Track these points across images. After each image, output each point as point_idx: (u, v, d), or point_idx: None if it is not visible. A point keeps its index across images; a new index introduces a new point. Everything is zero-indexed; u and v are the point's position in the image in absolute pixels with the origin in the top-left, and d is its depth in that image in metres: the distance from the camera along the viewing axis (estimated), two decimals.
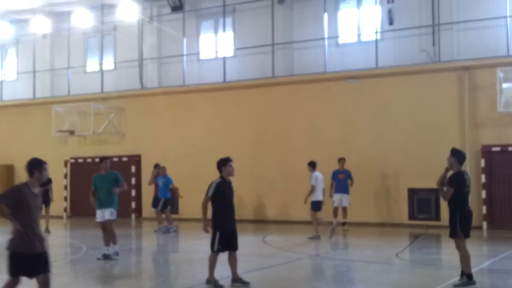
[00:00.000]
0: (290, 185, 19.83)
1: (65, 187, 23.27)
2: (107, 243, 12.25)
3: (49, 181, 17.32)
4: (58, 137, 22.99)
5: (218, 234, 9.10)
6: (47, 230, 17.17)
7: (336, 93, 19.60)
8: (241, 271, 9.49)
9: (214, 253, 9.18)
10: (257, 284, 10.22)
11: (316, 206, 15.57)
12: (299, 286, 9.74)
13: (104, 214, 12.20)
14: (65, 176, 23.38)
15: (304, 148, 19.74)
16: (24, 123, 25.14)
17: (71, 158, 23.51)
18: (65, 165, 23.38)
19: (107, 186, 12.17)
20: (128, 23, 23.56)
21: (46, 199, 17.18)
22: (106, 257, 12.13)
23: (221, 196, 9.16)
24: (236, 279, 9.34)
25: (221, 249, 9.15)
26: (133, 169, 22.24)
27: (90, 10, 23.95)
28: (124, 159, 22.28)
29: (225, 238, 9.12)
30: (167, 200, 18.00)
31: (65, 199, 23.17)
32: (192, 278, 10.45)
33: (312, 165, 15.87)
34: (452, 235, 8.85)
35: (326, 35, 20.21)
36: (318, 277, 10.71)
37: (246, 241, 15.56)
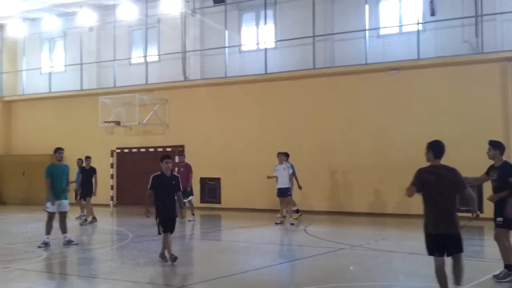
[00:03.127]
0: (330, 176, 20.08)
1: (112, 177, 23.96)
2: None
3: (93, 171, 17.87)
4: (104, 128, 23.65)
5: (157, 220, 10.89)
6: (94, 219, 17.66)
7: (377, 85, 19.69)
8: (282, 261, 9.81)
9: (161, 235, 10.98)
10: (297, 273, 10.56)
11: None
12: (339, 276, 9.97)
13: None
14: (112, 166, 24.08)
15: (344, 139, 19.95)
16: (72, 114, 25.99)
17: (117, 148, 24.18)
18: (112, 155, 24.08)
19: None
20: (172, 15, 24.05)
21: (89, 189, 17.69)
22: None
23: (158, 188, 10.82)
24: (162, 254, 11.06)
25: (164, 231, 10.89)
26: (176, 159, 22.70)
27: (134, 3, 24.50)
28: (168, 149, 22.79)
29: (164, 223, 10.84)
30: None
31: (112, 188, 23.87)
32: (235, 266, 10.81)
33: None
34: (503, 225, 8.77)
35: (367, 26, 20.27)
36: (359, 267, 10.89)
37: (287, 231, 15.95)
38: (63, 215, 13.31)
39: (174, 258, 10.84)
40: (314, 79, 20.82)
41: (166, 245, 10.98)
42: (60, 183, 13.14)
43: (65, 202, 13.27)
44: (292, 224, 16.58)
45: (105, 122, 23.34)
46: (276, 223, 16.86)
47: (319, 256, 11.89)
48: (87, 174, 17.79)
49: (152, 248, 12.63)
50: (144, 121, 23.07)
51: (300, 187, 17.74)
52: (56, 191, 13.09)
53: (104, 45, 25.93)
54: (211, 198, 22.19)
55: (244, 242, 14.20)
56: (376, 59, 19.88)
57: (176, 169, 18.12)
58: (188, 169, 18.47)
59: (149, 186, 10.94)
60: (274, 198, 20.69)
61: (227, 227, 17.89)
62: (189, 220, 17.83)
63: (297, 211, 18.54)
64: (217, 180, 22.16)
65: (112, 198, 23.77)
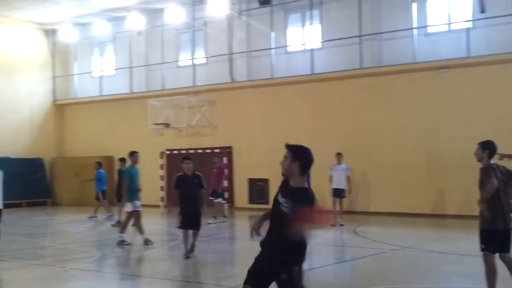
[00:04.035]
0: (380, 176, 19.95)
1: (161, 178, 24.34)
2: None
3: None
4: (154, 130, 24.05)
5: (180, 216, 11.76)
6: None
7: (426, 84, 19.46)
8: (332, 261, 9.83)
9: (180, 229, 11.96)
10: (348, 275, 10.56)
11: None
12: (391, 278, 9.93)
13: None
14: (161, 167, 24.47)
15: (393, 139, 19.80)
16: (122, 116, 26.54)
17: (167, 149, 24.56)
18: (161, 156, 24.47)
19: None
20: (218, 18, 24.30)
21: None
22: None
23: (181, 187, 11.80)
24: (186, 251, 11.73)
25: (183, 227, 11.71)
26: (225, 160, 22.97)
27: (182, 6, 24.84)
28: (216, 150, 23.04)
29: (185, 219, 11.66)
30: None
31: (162, 189, 24.25)
32: None
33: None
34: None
35: (415, 25, 20.04)
36: (411, 269, 10.78)
37: (337, 231, 15.93)
38: (138, 215, 13.78)
39: (188, 251, 11.65)
40: (361, 79, 20.72)
41: (184, 240, 11.77)
42: (136, 184, 13.78)
43: (139, 203, 13.83)
44: (342, 225, 16.50)
45: (155, 124, 23.73)
46: (331, 225, 16.65)
47: (370, 257, 11.85)
48: (122, 176, 18.01)
49: (202, 248, 12.82)
50: (192, 123, 23.37)
51: (349, 192, 17.44)
52: (133, 192, 13.68)
53: (153, 49, 26.37)
54: (260, 199, 22.31)
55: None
56: (424, 58, 19.64)
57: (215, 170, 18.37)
58: (220, 171, 18.54)
59: (173, 186, 12.03)
60: (322, 198, 20.75)
61: None
62: (208, 223, 17.34)
63: None
64: (265, 181, 22.26)
65: (162, 199, 24.16)
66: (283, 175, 5.28)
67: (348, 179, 16.98)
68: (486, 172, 7.52)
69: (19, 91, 27.69)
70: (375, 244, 13.47)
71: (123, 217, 17.52)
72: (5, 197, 27.65)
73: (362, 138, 20.41)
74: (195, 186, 11.80)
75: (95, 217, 19.95)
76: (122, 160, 18.39)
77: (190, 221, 11.70)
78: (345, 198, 17.09)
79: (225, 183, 19.01)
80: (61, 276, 10.67)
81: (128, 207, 13.73)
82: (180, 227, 11.82)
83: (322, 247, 13.74)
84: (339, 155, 17.19)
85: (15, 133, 27.14)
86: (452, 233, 16.02)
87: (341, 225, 16.51)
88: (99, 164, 20.78)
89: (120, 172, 17.99)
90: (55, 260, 12.55)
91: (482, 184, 7.56)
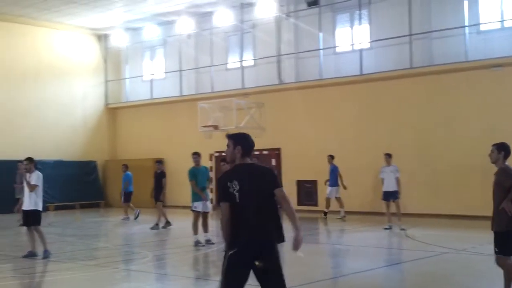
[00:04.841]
0: (431, 177, 19.61)
1: (211, 180, 24.49)
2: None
3: (161, 175, 18.16)
4: (203, 132, 24.28)
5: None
6: (168, 223, 17.96)
7: (479, 82, 19.02)
8: (383, 264, 9.73)
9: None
10: (399, 278, 10.43)
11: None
12: (443, 281, 9.76)
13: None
14: (211, 169, 24.65)
15: (445, 139, 19.43)
16: (173, 119, 26.90)
17: (216, 152, 24.77)
18: (210, 158, 24.69)
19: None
20: (266, 20, 24.37)
21: (160, 194, 18.03)
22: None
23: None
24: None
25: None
26: (273, 161, 23.04)
27: (230, 9, 25.02)
28: (265, 152, 23.12)
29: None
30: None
31: (211, 191, 24.43)
32: (335, 269, 10.83)
33: None
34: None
35: (466, 23, 19.63)
36: (465, 272, 10.56)
37: (387, 234, 15.74)
38: (206, 215, 14.11)
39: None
40: (411, 79, 20.42)
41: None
42: (202, 184, 14.07)
43: (208, 203, 14.13)
44: (403, 229, 15.82)
45: (204, 126, 23.96)
46: (385, 228, 16.25)
47: (421, 260, 11.68)
48: (157, 178, 18.21)
49: None
50: (241, 125, 23.46)
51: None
52: (199, 190, 13.98)
53: (202, 52, 26.63)
54: (308, 200, 22.25)
55: (343, 245, 14.18)
56: (477, 56, 19.20)
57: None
58: None
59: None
60: (370, 200, 20.54)
61: (325, 229, 17.89)
62: None
63: (325, 213, 19.48)
64: (314, 182, 22.18)
65: (211, 200, 24.32)
66: (228, 162, 5.56)
67: (397, 180, 16.53)
68: (507, 172, 7.44)
69: (73, 95, 28.45)
70: (427, 247, 13.25)
71: (160, 218, 17.89)
72: (59, 199, 28.51)
73: (412, 139, 20.10)
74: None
75: (127, 218, 20.59)
76: (159, 162, 18.69)
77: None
78: (398, 200, 16.52)
79: None
80: (115, 277, 10.91)
81: (197, 207, 13.93)
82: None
83: (371, 250, 13.62)
84: (388, 156, 16.90)
85: (69, 136, 27.90)
86: None
87: (402, 229, 15.81)
88: (125, 167, 21.23)
89: (157, 175, 18.24)
90: (109, 261, 12.83)
91: (499, 184, 7.47)
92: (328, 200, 19.85)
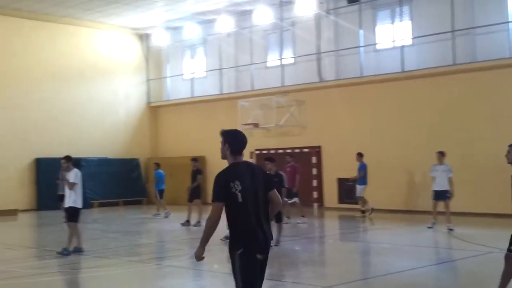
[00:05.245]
0: (474, 175, 19.29)
1: None
2: None
3: (197, 173, 18.22)
4: (243, 130, 24.31)
5: None
6: (199, 223, 17.73)
7: None
8: (428, 263, 9.65)
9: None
10: (444, 277, 10.33)
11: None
12: (489, 281, 9.62)
13: None
14: None
15: (489, 137, 19.07)
16: (213, 117, 27.09)
17: (256, 149, 24.88)
18: (251, 156, 24.81)
19: None
20: (306, 18, 24.33)
21: (197, 192, 18.18)
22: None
23: None
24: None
25: None
26: (314, 159, 23.02)
27: (269, 7, 25.07)
28: (305, 150, 23.12)
29: None
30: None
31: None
32: (378, 267, 10.79)
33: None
34: None
35: (511, 18, 19.24)
36: None
37: (430, 233, 15.56)
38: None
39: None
40: (454, 76, 20.12)
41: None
42: None
43: None
44: (451, 229, 15.33)
45: (244, 124, 24.07)
46: (428, 227, 15.89)
47: (466, 259, 11.56)
48: (193, 176, 18.34)
49: (291, 247, 12.91)
50: (281, 123, 23.53)
51: (453, 194, 16.07)
52: None
53: (241, 50, 26.76)
54: (349, 198, 22.13)
55: (386, 243, 14.09)
56: None
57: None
58: (293, 170, 18.26)
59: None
60: (413, 199, 20.35)
61: (366, 228, 17.80)
62: (297, 223, 17.73)
63: (363, 211, 19.33)
64: (355, 180, 22.03)
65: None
66: (222, 158, 5.56)
67: (450, 180, 15.74)
68: None
69: (116, 94, 28.97)
70: (472, 246, 13.04)
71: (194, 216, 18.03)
72: (103, 196, 29.03)
73: (456, 136, 19.80)
74: (275, 184, 12.40)
75: (159, 214, 21.07)
76: (195, 160, 18.87)
77: None
78: (449, 200, 15.88)
79: (297, 183, 18.61)
80: (158, 273, 11.10)
81: None
82: None
83: (415, 249, 13.51)
84: (440, 154, 16.10)
85: (112, 135, 28.43)
86: None
87: (450, 229, 15.34)
88: (157, 165, 21.59)
89: (193, 172, 18.42)
90: (152, 257, 13.07)
91: None
92: (361, 199, 19.69)
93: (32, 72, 26.12)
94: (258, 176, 5.50)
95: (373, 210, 19.59)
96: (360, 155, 19.76)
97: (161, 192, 21.56)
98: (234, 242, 5.38)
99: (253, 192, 5.38)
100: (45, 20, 26.36)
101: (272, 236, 5.56)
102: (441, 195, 15.84)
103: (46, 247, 14.23)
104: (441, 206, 16.06)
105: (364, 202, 19.66)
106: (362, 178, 19.52)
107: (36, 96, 26.12)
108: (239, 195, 5.29)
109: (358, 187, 19.62)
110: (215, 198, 5.28)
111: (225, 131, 5.63)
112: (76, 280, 10.89)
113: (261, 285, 5.42)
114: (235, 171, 5.38)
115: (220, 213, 5.30)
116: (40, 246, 15.24)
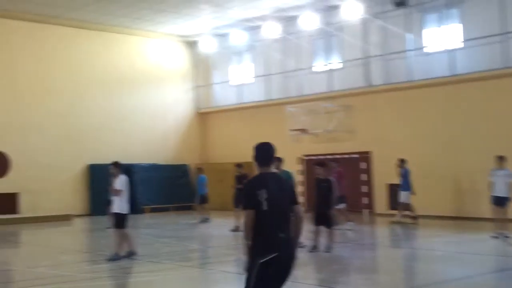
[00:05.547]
0: None
1: (301, 183, 24.65)
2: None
3: (242, 178, 18.29)
4: (291, 136, 24.43)
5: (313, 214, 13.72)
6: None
7: None
8: (484, 271, 9.49)
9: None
10: (504, 285, 10.15)
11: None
12: None
13: None
14: (302, 172, 24.79)
15: None
16: (261, 123, 27.21)
17: (304, 155, 24.86)
18: (299, 162, 24.82)
19: None
20: (352, 22, 24.22)
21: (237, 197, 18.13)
22: None
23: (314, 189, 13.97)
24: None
25: (315, 223, 13.51)
26: (363, 165, 22.87)
27: (315, 12, 25.07)
28: (355, 156, 22.99)
29: (316, 217, 13.54)
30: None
31: (302, 194, 24.58)
32: (434, 275, 10.67)
33: None
34: None
35: None
36: None
37: (483, 240, 15.23)
38: None
39: (314, 247, 13.09)
40: (506, 79, 19.72)
41: (314, 235, 13.32)
42: None
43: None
44: (507, 237, 14.90)
45: (292, 130, 24.10)
46: (491, 237, 15.22)
47: None
48: (238, 182, 18.47)
49: (343, 254, 12.87)
50: (329, 128, 23.46)
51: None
52: None
53: (288, 55, 26.80)
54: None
55: (440, 251, 13.88)
56: None
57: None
58: (339, 176, 17.97)
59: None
60: (466, 205, 19.98)
61: (419, 235, 17.57)
62: (346, 229, 17.56)
63: (413, 217, 18.92)
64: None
65: (303, 204, 24.48)
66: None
67: (510, 186, 15.11)
68: None
69: (165, 100, 29.47)
70: None
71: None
72: (155, 201, 29.50)
73: (509, 141, 19.37)
74: (323, 189, 13.43)
75: (207, 218, 21.35)
76: (239, 165, 19.00)
77: (319, 219, 13.29)
78: (507, 207, 15.36)
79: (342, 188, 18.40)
80: (211, 278, 11.25)
81: None
82: (314, 224, 13.35)
83: (470, 256, 13.26)
84: (500, 158, 15.47)
85: (162, 141, 28.92)
86: None
87: (506, 237, 14.93)
88: (199, 170, 21.85)
89: (237, 178, 18.53)
90: (204, 262, 13.26)
91: None
92: (407, 205, 19.24)
93: (85, 80, 26.89)
94: (284, 188, 5.72)
95: (415, 217, 19.20)
96: (402, 161, 19.33)
97: (202, 197, 21.70)
98: (257, 249, 5.48)
99: (278, 202, 5.55)
100: (98, 30, 27.10)
101: (293, 247, 5.62)
102: (500, 201, 15.29)
103: (98, 252, 14.57)
104: (498, 212, 15.63)
105: (410, 208, 19.31)
106: (405, 184, 19.20)
107: (89, 104, 26.84)
108: (265, 203, 5.47)
109: (403, 193, 19.20)
110: (246, 206, 5.54)
111: (255, 145, 5.93)
112: (128, 285, 11.10)
113: None
114: (262, 181, 5.62)
115: (253, 220, 5.47)
116: (93, 251, 15.63)
